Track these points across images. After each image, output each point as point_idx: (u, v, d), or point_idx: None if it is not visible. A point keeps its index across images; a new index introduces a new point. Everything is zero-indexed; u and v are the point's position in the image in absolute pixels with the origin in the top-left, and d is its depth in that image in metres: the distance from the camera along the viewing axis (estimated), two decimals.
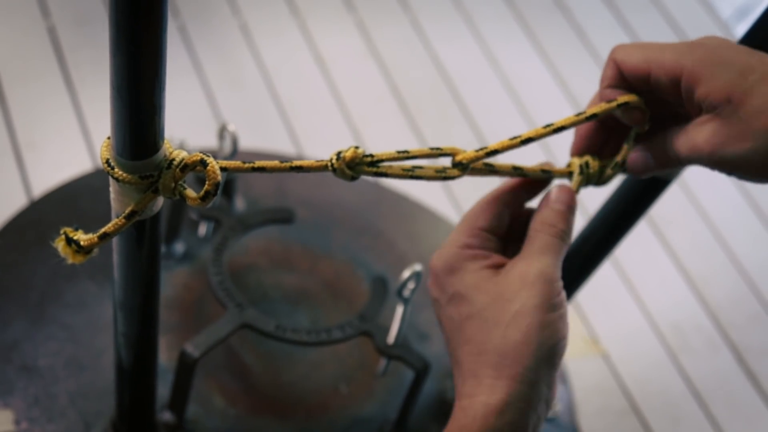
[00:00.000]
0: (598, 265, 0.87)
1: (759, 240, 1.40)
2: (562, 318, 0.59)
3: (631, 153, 0.62)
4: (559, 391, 1.15)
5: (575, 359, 1.21)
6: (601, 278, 1.22)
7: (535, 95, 1.46)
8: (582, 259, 0.86)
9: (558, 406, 1.12)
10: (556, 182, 0.64)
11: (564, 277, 0.88)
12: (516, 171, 0.61)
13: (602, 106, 0.60)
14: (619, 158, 0.63)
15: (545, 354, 0.58)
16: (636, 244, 1.30)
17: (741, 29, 1.62)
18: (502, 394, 0.56)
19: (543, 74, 1.50)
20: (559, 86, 1.49)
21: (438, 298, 0.61)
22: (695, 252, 1.36)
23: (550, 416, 1.11)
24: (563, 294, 0.59)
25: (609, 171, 0.64)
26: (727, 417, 1.21)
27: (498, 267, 0.60)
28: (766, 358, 1.27)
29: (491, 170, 0.61)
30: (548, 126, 0.60)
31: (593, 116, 0.60)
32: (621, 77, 0.60)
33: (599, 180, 0.64)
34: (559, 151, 1.39)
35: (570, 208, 0.61)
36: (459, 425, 0.57)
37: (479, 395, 0.57)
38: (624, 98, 0.60)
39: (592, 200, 1.33)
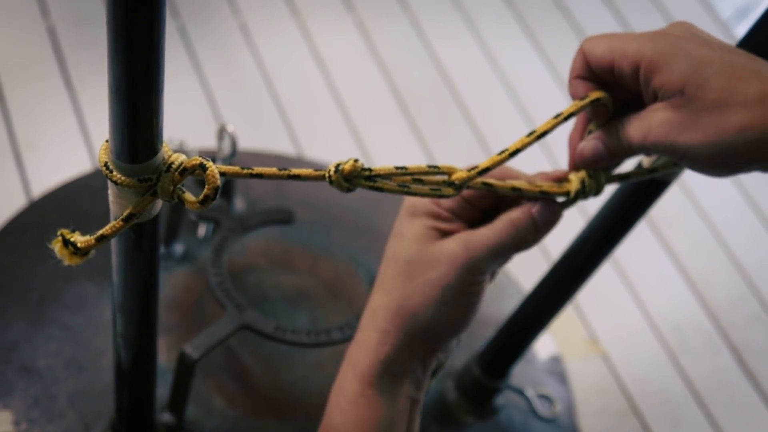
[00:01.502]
0: (598, 266, 0.87)
1: (759, 240, 1.40)
2: (469, 305, 0.63)
3: (582, 143, 0.62)
4: (559, 391, 1.15)
5: (575, 359, 1.21)
6: (601, 278, 1.22)
7: (535, 95, 1.46)
8: (582, 259, 0.86)
9: (558, 406, 1.12)
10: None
11: (564, 277, 0.88)
12: (514, 191, 0.62)
13: (577, 104, 0.61)
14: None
15: (438, 325, 0.63)
16: (636, 245, 1.30)
17: (741, 29, 1.62)
18: (390, 337, 0.63)
19: (543, 74, 1.50)
20: (558, 86, 1.48)
21: (394, 228, 0.66)
22: (695, 252, 1.36)
23: (550, 416, 1.11)
24: (481, 286, 0.63)
25: (603, 180, 0.64)
26: (727, 417, 1.21)
27: (450, 232, 0.64)
28: (766, 358, 1.27)
29: (489, 189, 0.62)
30: (532, 134, 0.61)
31: (570, 116, 0.61)
32: (588, 68, 0.60)
33: (596, 192, 0.65)
34: (556, 147, 1.39)
35: (548, 230, 0.63)
36: (353, 358, 0.64)
37: (373, 331, 0.64)
38: (595, 95, 0.60)
39: (593, 201, 1.33)
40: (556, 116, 0.61)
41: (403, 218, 0.66)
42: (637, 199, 0.79)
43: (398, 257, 0.64)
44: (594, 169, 0.63)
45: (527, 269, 1.21)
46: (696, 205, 1.41)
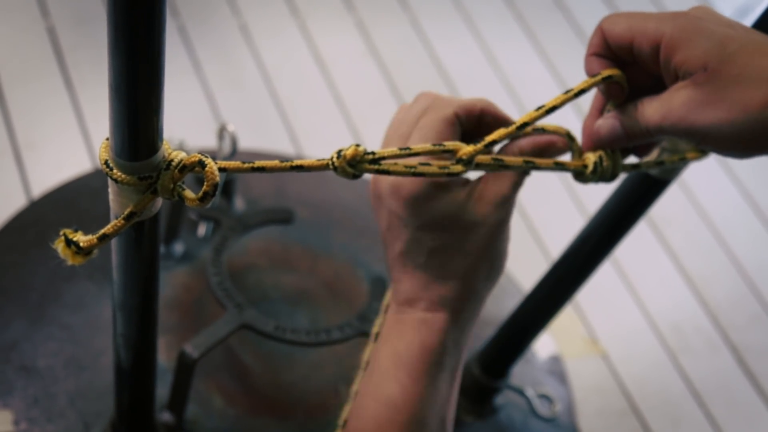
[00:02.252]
0: (598, 265, 0.87)
1: (759, 240, 1.40)
2: (508, 238, 0.65)
3: (599, 120, 0.61)
4: (559, 390, 1.15)
5: (575, 359, 1.21)
6: (601, 278, 1.22)
7: (535, 95, 1.46)
8: (582, 259, 0.86)
9: (558, 406, 1.12)
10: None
11: (564, 277, 0.88)
12: (527, 164, 0.60)
13: (588, 81, 0.59)
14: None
15: (488, 268, 0.64)
16: (636, 244, 1.30)
17: None
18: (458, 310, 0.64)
19: (543, 74, 1.50)
20: (558, 86, 1.49)
21: (405, 219, 0.63)
22: (695, 252, 1.36)
23: (549, 416, 1.11)
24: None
25: (620, 162, 0.62)
26: (727, 417, 1.21)
27: (463, 186, 0.63)
28: (766, 358, 1.27)
29: (501, 164, 0.60)
30: (540, 108, 0.59)
31: (581, 92, 0.59)
32: (606, 46, 0.59)
33: (611, 176, 0.63)
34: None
35: (550, 147, 0.63)
36: (406, 336, 0.64)
37: (421, 300, 0.63)
38: (607, 72, 0.59)
39: (592, 200, 1.33)
40: (567, 92, 0.59)
41: (420, 204, 0.64)
42: (636, 199, 0.79)
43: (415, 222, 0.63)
44: (611, 149, 0.61)
45: (527, 269, 1.21)
46: (696, 205, 1.41)
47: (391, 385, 0.63)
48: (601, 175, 0.62)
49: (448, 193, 0.61)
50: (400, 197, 0.62)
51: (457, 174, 0.58)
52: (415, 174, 0.57)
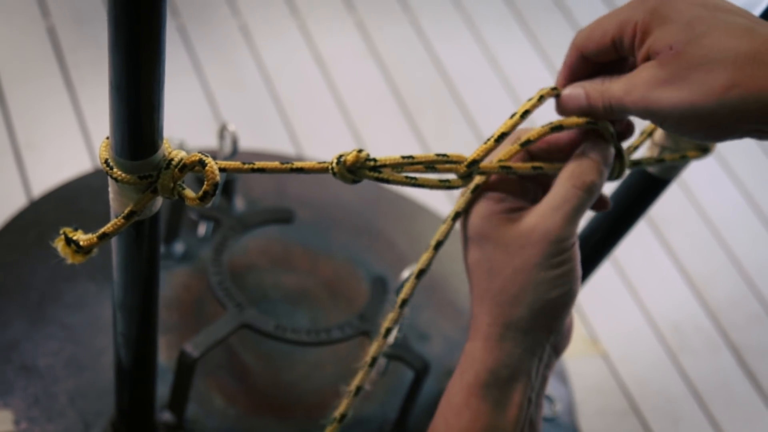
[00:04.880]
0: (598, 265, 0.87)
1: (759, 240, 1.40)
2: (567, 274, 0.59)
3: (567, 89, 0.59)
4: (559, 390, 1.15)
5: (575, 359, 1.21)
6: (601, 278, 1.22)
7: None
8: (582, 259, 0.86)
9: (558, 406, 1.12)
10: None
11: None
12: (535, 170, 0.60)
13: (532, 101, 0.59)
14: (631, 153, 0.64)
15: (542, 306, 0.59)
16: (636, 244, 1.30)
17: None
18: (495, 340, 0.59)
19: (543, 74, 1.50)
20: None
21: (462, 236, 0.62)
22: (695, 252, 1.36)
23: (549, 416, 1.11)
24: (572, 251, 0.59)
25: (626, 162, 0.62)
26: (727, 417, 1.21)
27: (513, 211, 0.60)
28: (766, 358, 1.27)
29: (508, 172, 0.59)
30: (513, 115, 0.59)
31: (527, 114, 0.59)
32: (583, 62, 0.58)
33: (617, 176, 0.62)
34: None
35: (605, 160, 0.59)
36: (461, 369, 0.60)
37: (477, 340, 0.60)
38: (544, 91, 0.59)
39: None
40: (512, 116, 0.59)
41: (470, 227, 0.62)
42: (636, 199, 0.79)
43: (475, 259, 0.60)
44: (571, 117, 0.60)
45: None
46: (696, 205, 1.41)
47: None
48: (609, 176, 0.62)
49: (489, 205, 0.60)
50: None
51: (456, 187, 0.58)
52: (414, 185, 0.57)
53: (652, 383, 1.22)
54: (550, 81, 1.49)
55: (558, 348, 0.62)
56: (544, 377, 0.62)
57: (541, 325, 0.59)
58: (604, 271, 1.28)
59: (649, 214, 1.33)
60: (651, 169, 0.75)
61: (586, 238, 0.84)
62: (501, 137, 0.58)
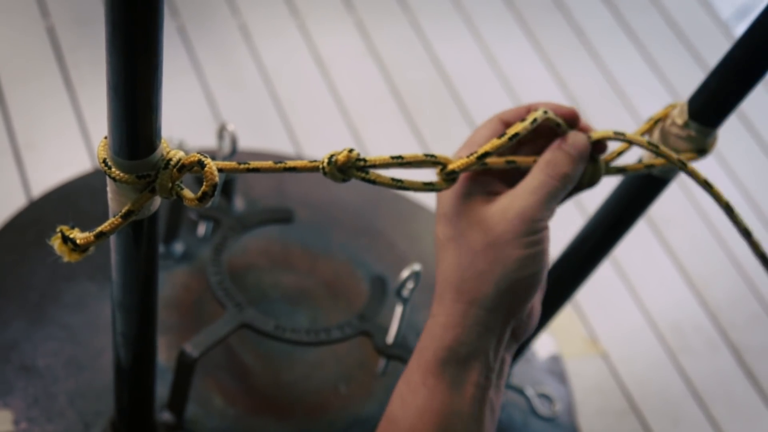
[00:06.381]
0: (598, 265, 0.87)
1: (759, 240, 1.39)
2: (536, 255, 0.60)
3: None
4: (559, 390, 1.15)
5: (575, 359, 1.21)
6: (600, 278, 1.22)
7: (535, 95, 1.46)
8: (581, 259, 0.86)
9: (558, 405, 1.12)
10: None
11: (564, 277, 0.88)
12: (509, 164, 0.62)
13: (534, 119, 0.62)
14: (609, 158, 0.65)
15: (509, 285, 0.60)
16: (636, 244, 1.30)
17: (741, 29, 1.62)
18: (457, 316, 0.60)
19: (542, 74, 1.50)
20: (558, 86, 1.49)
21: (437, 212, 0.64)
22: (695, 252, 1.36)
23: (549, 416, 1.11)
24: (544, 233, 0.61)
25: (601, 169, 0.64)
26: (727, 417, 1.21)
27: (491, 194, 0.62)
28: (766, 358, 1.27)
29: (484, 166, 0.61)
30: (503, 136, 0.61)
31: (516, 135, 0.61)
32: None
33: (589, 183, 0.64)
34: None
35: (581, 155, 0.62)
36: (421, 345, 0.62)
37: (439, 315, 0.61)
38: (533, 115, 0.62)
39: (592, 200, 1.33)
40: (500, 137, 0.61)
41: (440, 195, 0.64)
42: (636, 199, 0.78)
43: (448, 234, 0.62)
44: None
45: None
46: (696, 205, 1.41)
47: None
48: (581, 182, 0.64)
49: (470, 185, 0.63)
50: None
51: (440, 190, 0.60)
52: (400, 187, 0.58)
53: (651, 383, 1.22)
54: (549, 81, 1.49)
55: (518, 335, 0.63)
56: (503, 360, 0.62)
57: (504, 306, 0.60)
58: (604, 271, 1.28)
59: (649, 214, 1.33)
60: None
61: (586, 237, 0.84)
62: (484, 155, 0.60)
